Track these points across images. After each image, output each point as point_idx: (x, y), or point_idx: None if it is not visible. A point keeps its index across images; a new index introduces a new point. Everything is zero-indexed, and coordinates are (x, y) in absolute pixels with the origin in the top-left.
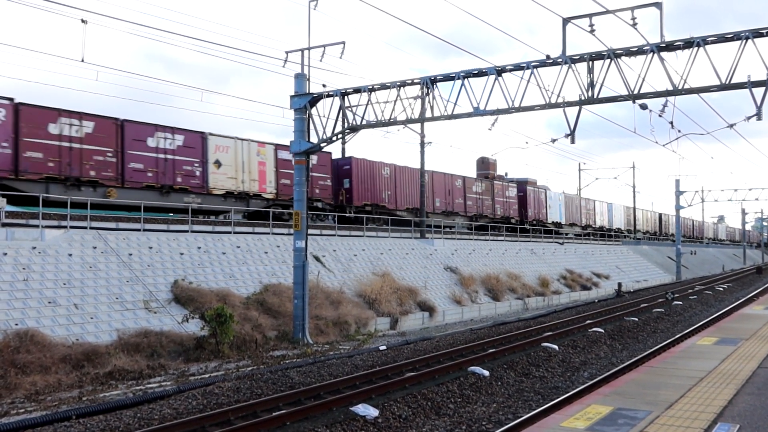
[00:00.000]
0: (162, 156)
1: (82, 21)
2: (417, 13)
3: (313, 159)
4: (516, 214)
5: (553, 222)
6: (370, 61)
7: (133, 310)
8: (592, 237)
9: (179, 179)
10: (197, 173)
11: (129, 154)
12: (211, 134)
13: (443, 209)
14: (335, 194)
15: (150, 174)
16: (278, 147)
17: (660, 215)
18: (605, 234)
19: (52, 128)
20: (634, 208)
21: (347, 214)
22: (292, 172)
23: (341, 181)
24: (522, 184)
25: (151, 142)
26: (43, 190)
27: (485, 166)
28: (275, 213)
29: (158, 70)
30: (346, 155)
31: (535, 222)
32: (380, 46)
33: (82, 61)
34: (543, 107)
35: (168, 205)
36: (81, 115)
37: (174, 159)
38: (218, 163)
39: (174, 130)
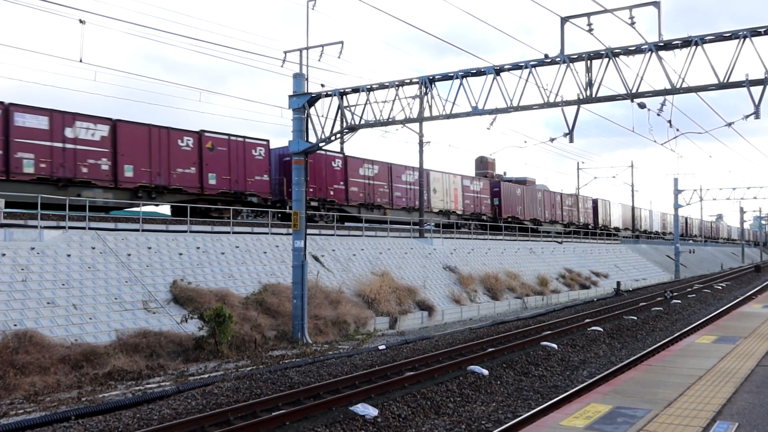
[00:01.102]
0: (408, 186)
1: (81, 21)
2: (413, 12)
3: (480, 183)
4: (591, 221)
5: (614, 227)
6: (368, 60)
7: (132, 310)
8: (645, 238)
9: (417, 202)
10: (425, 197)
11: (394, 186)
12: (431, 170)
13: (550, 219)
14: (491, 209)
15: (404, 200)
16: (463, 177)
17: (686, 219)
18: (651, 236)
19: (361, 170)
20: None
21: (499, 224)
22: (472, 194)
23: (493, 199)
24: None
25: (403, 177)
26: (357, 211)
27: (484, 165)
28: (461, 223)
29: (156, 71)
30: (495, 180)
31: (602, 227)
32: (378, 46)
33: (80, 61)
34: (541, 106)
35: (410, 219)
36: (373, 162)
37: (413, 188)
38: (435, 190)
39: (414, 169)
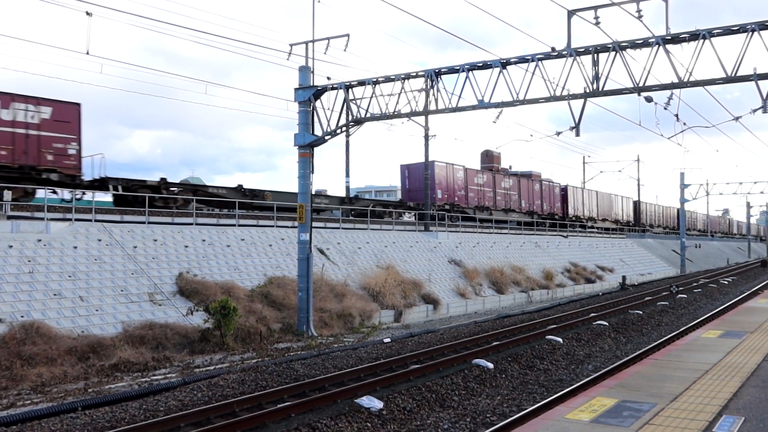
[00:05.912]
0: (506, 191)
1: (87, 13)
2: (414, 6)
3: (553, 187)
4: (632, 218)
5: (650, 224)
6: (372, 53)
7: (138, 302)
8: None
9: (511, 204)
10: (516, 200)
11: (497, 192)
12: (521, 177)
13: (602, 217)
14: (561, 209)
15: (503, 202)
16: (542, 182)
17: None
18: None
19: (475, 179)
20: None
21: (566, 222)
22: (548, 196)
23: (563, 201)
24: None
25: (502, 183)
26: (473, 212)
27: (489, 158)
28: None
29: (158, 64)
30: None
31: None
32: (381, 39)
33: (87, 53)
34: (548, 100)
35: (507, 218)
36: (482, 171)
37: (510, 193)
38: (521, 194)
39: (509, 175)
